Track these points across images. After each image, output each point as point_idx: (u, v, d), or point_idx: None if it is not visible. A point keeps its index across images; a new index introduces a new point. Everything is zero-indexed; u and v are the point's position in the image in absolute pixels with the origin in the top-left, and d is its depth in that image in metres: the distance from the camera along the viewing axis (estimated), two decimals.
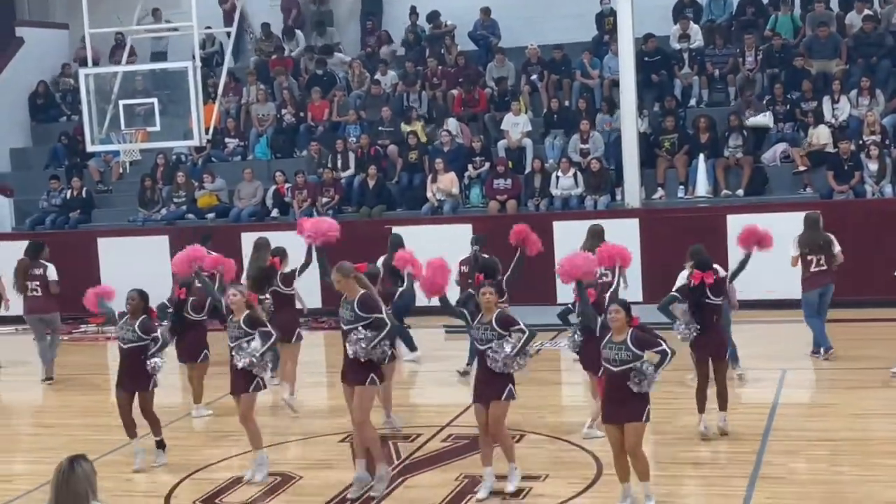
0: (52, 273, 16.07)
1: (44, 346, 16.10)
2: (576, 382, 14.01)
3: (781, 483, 9.97)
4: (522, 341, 9.58)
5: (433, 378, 15.30)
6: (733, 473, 10.28)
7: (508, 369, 9.60)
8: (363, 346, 9.79)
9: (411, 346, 15.79)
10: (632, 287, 16.21)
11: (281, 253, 13.63)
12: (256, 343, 10.50)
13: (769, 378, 13.78)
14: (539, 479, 10.31)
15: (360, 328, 9.84)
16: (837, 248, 14.55)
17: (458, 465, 10.84)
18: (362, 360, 9.84)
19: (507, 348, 9.54)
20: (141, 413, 11.31)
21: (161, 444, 11.45)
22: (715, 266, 12.42)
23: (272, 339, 10.61)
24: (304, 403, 13.63)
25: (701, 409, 11.30)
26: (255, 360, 10.46)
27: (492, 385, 9.65)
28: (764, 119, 20.21)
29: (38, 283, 16.04)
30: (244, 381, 10.55)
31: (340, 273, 9.99)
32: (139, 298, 11.18)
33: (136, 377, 11.15)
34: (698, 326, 11.21)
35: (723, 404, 11.34)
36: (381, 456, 10.18)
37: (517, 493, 9.88)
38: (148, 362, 11.02)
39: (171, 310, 13.32)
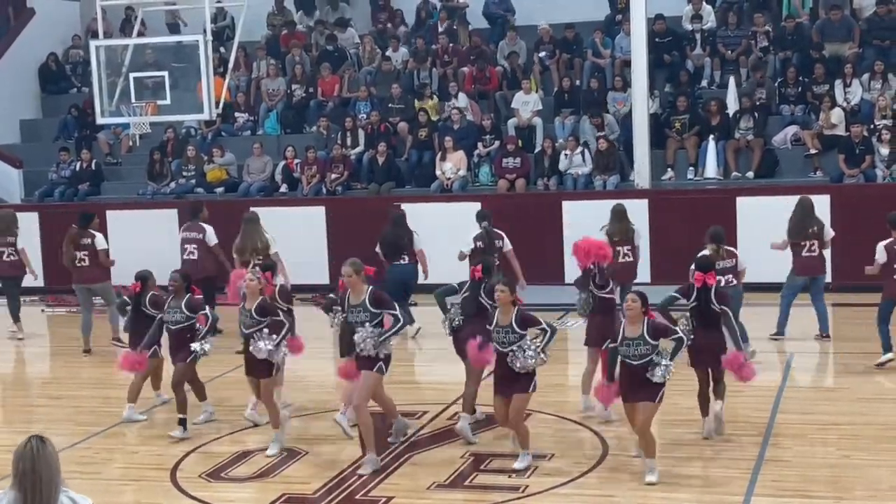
0: (100, 242, 15.92)
1: (87, 317, 15.96)
2: (582, 362, 13.97)
3: (787, 466, 9.96)
4: (546, 341, 9.72)
5: (438, 355, 15.28)
6: (739, 456, 10.27)
7: (534, 367, 9.74)
8: (372, 342, 9.91)
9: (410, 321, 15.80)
10: (640, 268, 16.25)
11: (271, 268, 13.11)
12: (271, 334, 10.57)
13: (777, 361, 13.76)
14: (545, 458, 10.31)
15: (367, 326, 9.95)
16: (830, 235, 14.68)
17: (464, 442, 10.84)
18: (370, 355, 9.97)
19: (530, 354, 9.63)
20: (171, 384, 11.45)
21: (182, 423, 11.38)
22: (730, 248, 12.59)
23: (285, 329, 10.67)
24: (310, 378, 13.65)
25: (704, 413, 10.74)
26: (273, 351, 10.54)
27: (518, 380, 9.75)
28: None
29: (86, 252, 15.92)
30: (265, 366, 10.64)
31: (354, 268, 10.08)
32: (181, 279, 11.44)
33: (182, 352, 11.33)
34: (690, 332, 10.37)
35: (719, 395, 10.71)
36: (372, 444, 10.14)
37: (523, 472, 9.91)
38: (194, 346, 11.20)
39: (129, 306, 12.48)
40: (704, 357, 10.60)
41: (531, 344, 9.69)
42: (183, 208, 19.93)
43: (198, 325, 11.39)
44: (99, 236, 15.98)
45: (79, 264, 15.86)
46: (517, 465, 9.96)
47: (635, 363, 9.34)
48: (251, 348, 10.60)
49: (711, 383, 10.71)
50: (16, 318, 16.93)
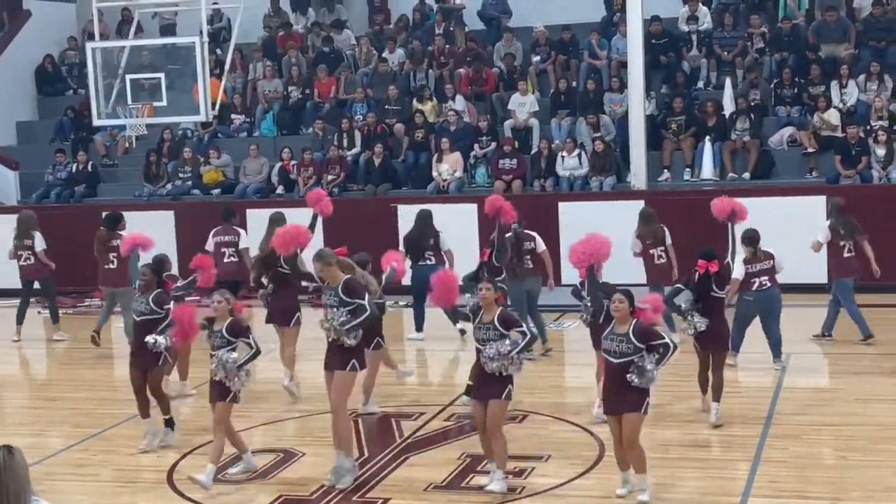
0: None
1: (105, 315, 15.92)
2: (579, 363, 14.02)
3: (784, 467, 9.97)
4: (522, 343, 9.29)
5: (436, 357, 15.31)
6: (735, 457, 10.29)
7: (503, 370, 9.20)
8: (335, 325, 9.60)
9: (419, 327, 15.74)
10: (636, 270, 16.22)
11: None
12: (235, 354, 9.87)
13: (773, 362, 13.75)
14: (541, 459, 10.32)
15: (337, 309, 9.65)
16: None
17: (461, 444, 10.86)
18: (331, 338, 9.71)
19: (501, 347, 9.15)
20: (149, 391, 11.12)
21: (170, 423, 11.23)
22: (767, 251, 12.80)
23: (252, 353, 9.95)
24: (308, 380, 13.62)
25: (703, 391, 11.48)
26: (230, 372, 9.78)
27: (492, 385, 9.28)
28: None
29: (115, 254, 15.77)
30: (221, 390, 9.89)
31: (322, 261, 9.85)
32: (151, 273, 11.14)
33: (147, 353, 10.93)
34: (703, 321, 11.11)
35: (716, 395, 11.17)
36: (350, 447, 9.92)
37: (519, 474, 9.89)
38: (148, 338, 10.80)
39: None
40: (706, 341, 11.22)
41: (509, 345, 9.23)
42: (179, 210, 19.99)
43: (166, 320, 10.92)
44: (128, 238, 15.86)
45: (107, 266, 15.73)
46: (493, 486, 9.39)
47: (615, 361, 8.88)
48: (213, 364, 9.88)
49: (711, 369, 11.25)
50: (19, 321, 16.89)
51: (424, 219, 15.53)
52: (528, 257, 14.17)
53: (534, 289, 14.23)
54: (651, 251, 14.93)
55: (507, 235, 14.21)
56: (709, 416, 11.24)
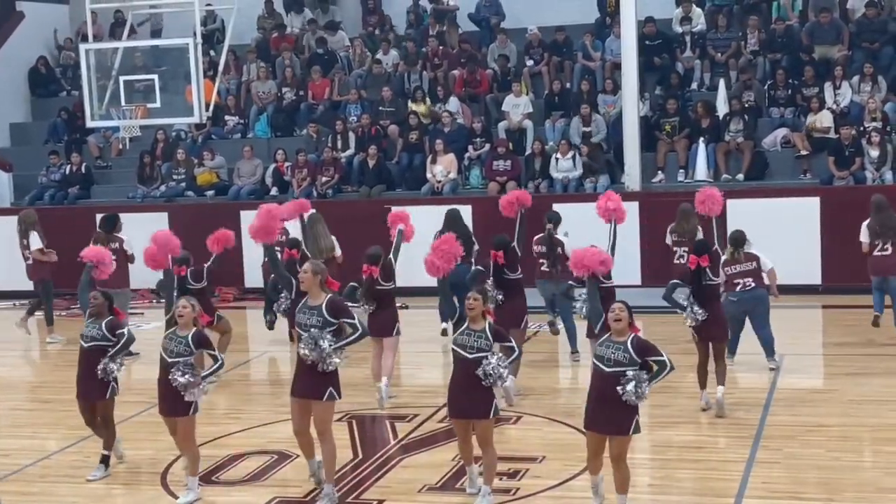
0: (129, 245, 15.71)
1: None
2: (572, 365, 14.05)
3: (778, 468, 9.99)
4: (512, 359, 9.22)
5: (431, 359, 15.29)
6: (730, 458, 10.30)
7: (491, 384, 9.01)
8: (326, 349, 9.08)
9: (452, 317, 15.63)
10: (630, 270, 16.30)
11: (298, 245, 13.45)
12: (191, 367, 9.53)
13: (767, 363, 13.76)
14: (536, 460, 10.32)
15: (320, 330, 9.13)
16: None
17: (455, 445, 10.82)
18: (320, 364, 9.12)
19: (502, 366, 8.96)
20: (100, 421, 10.46)
21: (105, 460, 10.49)
22: (750, 252, 12.90)
23: (218, 365, 9.74)
24: None
25: (702, 386, 11.70)
26: (195, 381, 9.44)
27: (475, 400, 9.01)
28: None
29: (114, 257, 15.66)
30: (183, 403, 9.52)
31: (312, 267, 9.39)
32: (104, 299, 10.47)
33: (94, 384, 10.24)
34: (704, 312, 11.47)
35: (721, 379, 11.52)
36: (333, 474, 9.49)
37: (513, 475, 9.90)
38: (101, 365, 10.14)
39: (175, 286, 13.07)
40: (705, 330, 11.57)
41: (502, 358, 9.05)
42: (173, 211, 19.97)
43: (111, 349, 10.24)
44: (126, 239, 15.80)
45: None
46: (478, 502, 9.23)
47: (606, 369, 8.46)
48: (170, 377, 9.47)
49: (713, 360, 11.57)
50: (48, 321, 16.92)
51: (454, 219, 15.48)
52: (558, 260, 14.04)
53: (566, 292, 13.96)
54: (675, 248, 15.02)
55: (542, 235, 14.11)
56: (709, 411, 11.50)
